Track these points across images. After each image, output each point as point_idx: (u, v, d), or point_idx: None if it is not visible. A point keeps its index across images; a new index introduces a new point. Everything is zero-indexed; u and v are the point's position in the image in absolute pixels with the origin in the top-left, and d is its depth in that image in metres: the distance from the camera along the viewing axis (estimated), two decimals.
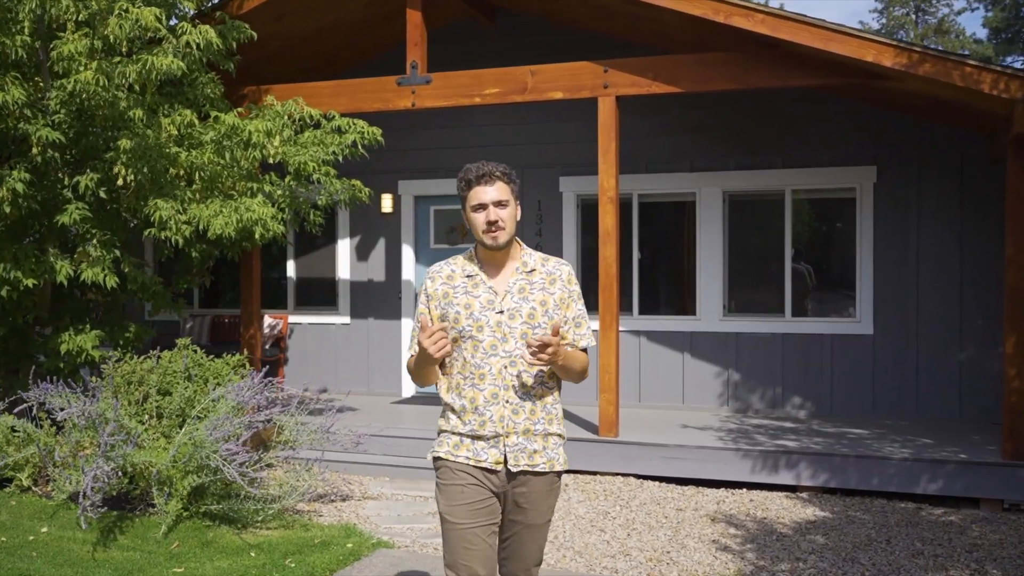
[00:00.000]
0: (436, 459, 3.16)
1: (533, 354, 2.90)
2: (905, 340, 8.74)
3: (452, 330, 3.08)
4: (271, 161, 7.25)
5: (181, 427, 6.27)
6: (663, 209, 9.58)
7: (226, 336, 10.76)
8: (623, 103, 7.89)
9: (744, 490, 7.33)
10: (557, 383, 3.19)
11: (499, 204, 3.06)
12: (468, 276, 3.14)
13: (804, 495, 7.16)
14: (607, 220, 7.73)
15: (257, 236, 7.39)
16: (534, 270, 3.15)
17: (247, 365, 6.77)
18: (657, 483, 7.53)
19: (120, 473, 5.70)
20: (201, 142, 7.04)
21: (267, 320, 10.59)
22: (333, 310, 10.63)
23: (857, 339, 8.86)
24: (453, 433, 3.12)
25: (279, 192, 7.48)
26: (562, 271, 3.18)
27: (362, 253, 10.50)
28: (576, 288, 3.19)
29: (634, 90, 7.67)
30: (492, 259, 3.14)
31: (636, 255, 9.53)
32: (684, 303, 9.48)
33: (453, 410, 3.12)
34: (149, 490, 5.92)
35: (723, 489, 7.36)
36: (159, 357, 6.74)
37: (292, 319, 10.74)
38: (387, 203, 10.26)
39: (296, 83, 8.57)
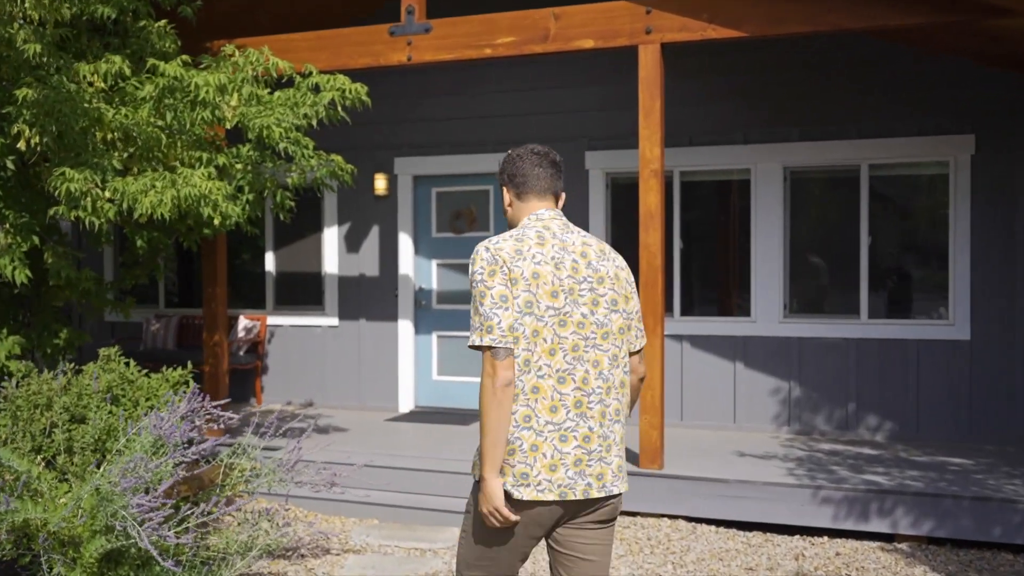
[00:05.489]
0: None
1: None
2: (1010, 347, 7.16)
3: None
4: (228, 126, 5.74)
5: (100, 466, 4.78)
6: (711, 189, 8.04)
7: (196, 340, 9.27)
8: (665, 59, 6.36)
9: (825, 538, 5.80)
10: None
11: None
12: None
13: (904, 547, 5.62)
14: (650, 199, 6.20)
15: (217, 222, 5.90)
16: None
17: (191, 382, 5.26)
18: (714, 528, 6.01)
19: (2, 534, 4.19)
20: (137, 99, 5.54)
21: (242, 322, 9.10)
22: (319, 310, 9.12)
23: (950, 346, 7.29)
24: None
25: (239, 166, 5.96)
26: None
27: (352, 243, 8.99)
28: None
29: (684, 36, 6.13)
30: None
31: (678, 244, 7.98)
32: (736, 302, 7.94)
33: None
34: (49, 555, 4.41)
35: (798, 537, 5.84)
36: (78, 371, 5.25)
37: (271, 320, 9.24)
38: (381, 184, 8.73)
39: (270, 35, 7.07)
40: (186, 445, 4.25)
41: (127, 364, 5.36)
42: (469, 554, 2.68)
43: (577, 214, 8.20)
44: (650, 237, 6.21)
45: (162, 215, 5.08)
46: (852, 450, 6.99)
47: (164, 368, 5.35)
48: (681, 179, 7.96)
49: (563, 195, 2.79)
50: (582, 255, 2.61)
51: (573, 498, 2.56)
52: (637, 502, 6.16)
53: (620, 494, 2.69)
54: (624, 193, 8.13)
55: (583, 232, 2.70)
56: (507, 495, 2.54)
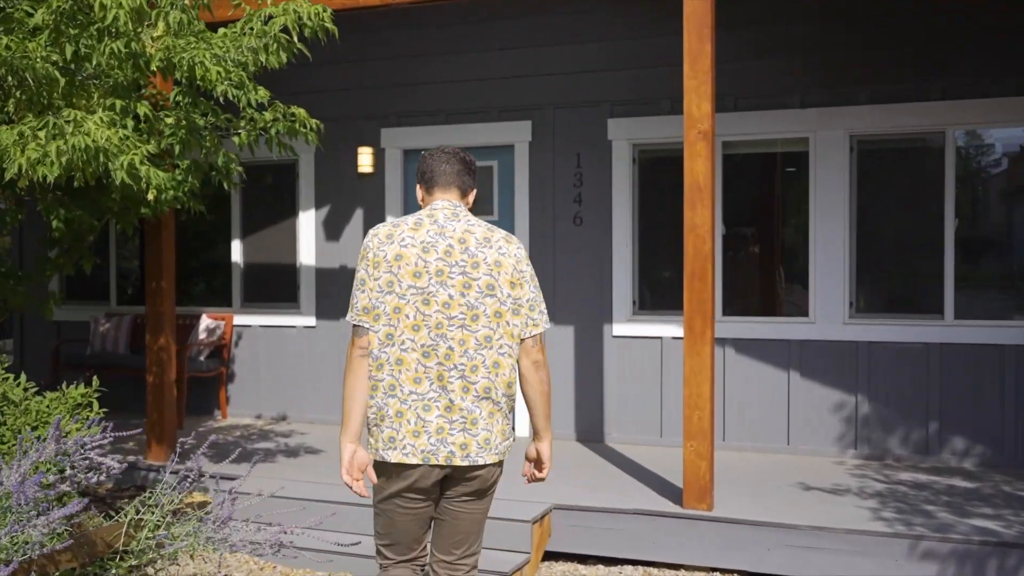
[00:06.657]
0: None
1: None
2: None
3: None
4: (153, 66, 4.42)
5: None
6: (759, 162, 6.71)
7: None
8: None
9: None
10: None
11: None
12: None
13: None
14: (698, 167, 4.88)
15: (151, 196, 4.60)
16: None
17: (95, 404, 3.95)
18: None
19: None
20: (29, 28, 4.23)
21: (204, 322, 7.79)
22: (293, 308, 7.80)
23: None
24: None
25: (169, 119, 4.64)
26: None
27: (332, 230, 7.67)
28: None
29: None
30: None
31: (720, 228, 6.66)
32: (790, 299, 6.61)
33: None
34: None
35: None
36: None
37: (239, 320, 7.92)
38: (365, 160, 7.41)
39: None
40: (52, 503, 2.93)
41: (16, 380, 4.06)
42: (376, 524, 2.84)
43: (597, 194, 6.88)
44: (698, 216, 4.88)
45: (47, 177, 3.76)
46: (941, 482, 5.66)
47: (61, 386, 4.04)
48: (724, 150, 6.63)
49: (473, 191, 2.93)
50: (460, 241, 2.75)
51: (436, 463, 2.67)
52: (682, 552, 4.85)
53: (488, 465, 2.75)
54: (653, 168, 6.81)
55: (476, 222, 2.82)
56: (378, 458, 2.71)
